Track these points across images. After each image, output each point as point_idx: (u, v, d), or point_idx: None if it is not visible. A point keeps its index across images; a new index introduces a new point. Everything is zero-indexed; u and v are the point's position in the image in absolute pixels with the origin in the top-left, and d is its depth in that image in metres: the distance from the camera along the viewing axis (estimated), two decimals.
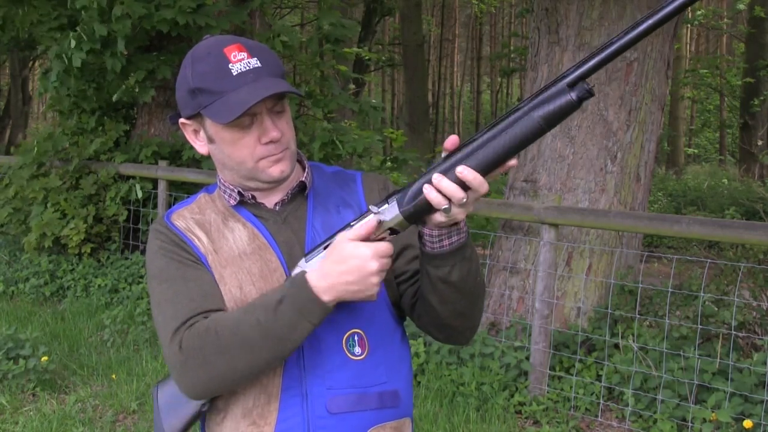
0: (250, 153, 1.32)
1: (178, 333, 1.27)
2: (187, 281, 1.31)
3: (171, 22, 5.80)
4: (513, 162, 1.16)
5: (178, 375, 1.28)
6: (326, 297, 1.23)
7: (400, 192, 1.22)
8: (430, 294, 1.31)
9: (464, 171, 1.15)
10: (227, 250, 1.36)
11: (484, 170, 1.15)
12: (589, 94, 1.10)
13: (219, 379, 1.26)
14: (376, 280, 1.22)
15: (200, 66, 1.30)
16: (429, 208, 1.18)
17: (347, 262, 1.21)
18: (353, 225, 1.24)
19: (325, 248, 1.27)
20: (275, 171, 1.34)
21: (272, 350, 1.24)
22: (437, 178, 1.16)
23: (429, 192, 1.17)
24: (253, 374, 1.27)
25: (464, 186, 1.15)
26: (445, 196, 1.16)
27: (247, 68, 1.28)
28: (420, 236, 1.27)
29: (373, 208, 1.23)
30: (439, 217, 1.19)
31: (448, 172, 1.16)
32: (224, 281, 1.33)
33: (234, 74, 1.27)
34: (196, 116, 1.34)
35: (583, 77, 1.11)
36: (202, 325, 1.27)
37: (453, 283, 1.28)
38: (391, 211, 1.22)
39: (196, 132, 1.38)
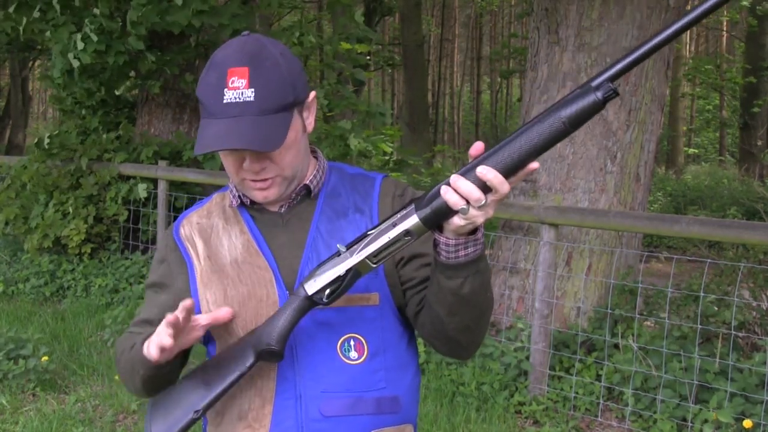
0: (235, 171, 1.35)
1: (119, 338, 1.50)
2: (142, 310, 1.48)
3: (181, 25, 5.83)
4: (535, 164, 1.13)
5: None
6: (147, 354, 1.31)
7: (419, 198, 1.20)
8: (438, 305, 1.28)
9: (484, 170, 1.12)
10: (221, 256, 1.40)
11: (505, 170, 1.12)
12: (615, 93, 1.09)
13: (127, 384, 1.44)
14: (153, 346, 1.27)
15: (208, 76, 1.31)
16: (447, 211, 1.15)
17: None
18: (370, 234, 1.23)
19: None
20: (259, 196, 1.37)
21: (131, 379, 1.39)
22: (454, 178, 1.14)
23: (446, 192, 1.14)
24: (142, 390, 1.39)
25: (485, 188, 1.13)
26: (462, 197, 1.14)
27: (237, 100, 1.27)
28: (435, 245, 1.23)
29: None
30: (457, 221, 1.16)
31: (467, 173, 1.14)
32: (211, 284, 1.38)
33: (223, 102, 1.28)
34: None
35: (611, 79, 1.10)
36: (121, 341, 1.46)
37: (463, 295, 1.24)
38: (408, 215, 1.19)
39: None
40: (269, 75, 1.29)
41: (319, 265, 1.27)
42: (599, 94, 1.10)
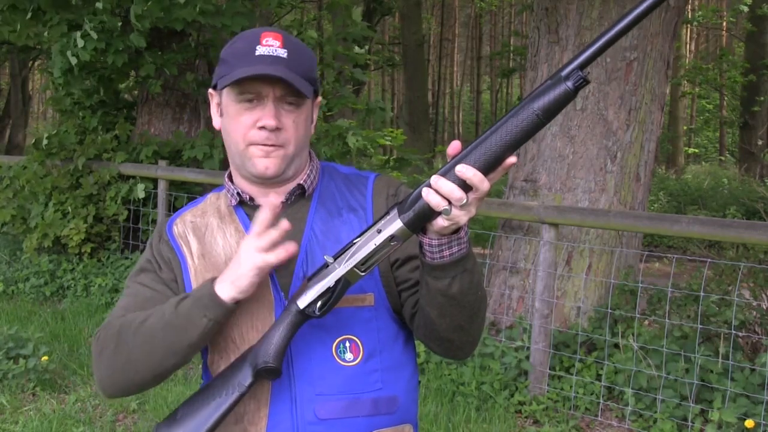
0: (243, 133, 1.32)
1: (101, 329, 1.37)
2: (137, 293, 1.39)
3: (185, 21, 5.84)
4: (513, 159, 1.12)
5: (93, 367, 1.36)
6: (222, 293, 1.25)
7: (401, 201, 1.19)
8: (429, 306, 1.27)
9: (463, 169, 1.11)
10: (215, 255, 1.39)
11: (484, 167, 1.11)
12: (585, 81, 1.08)
13: (121, 371, 1.31)
14: (250, 265, 1.22)
15: (236, 43, 1.34)
16: (429, 213, 1.15)
17: (237, 257, 1.25)
18: (356, 242, 1.22)
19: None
20: (260, 165, 1.33)
21: (168, 342, 1.27)
22: (435, 179, 1.13)
23: (427, 194, 1.13)
24: (150, 370, 1.29)
25: (465, 186, 1.12)
26: (444, 197, 1.12)
27: (271, 54, 1.29)
28: (420, 246, 1.21)
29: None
30: (441, 222, 1.15)
31: (447, 173, 1.13)
32: None
33: (255, 54, 1.29)
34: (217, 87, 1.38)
35: (580, 67, 1.09)
36: (117, 321, 1.34)
37: (452, 295, 1.23)
38: (392, 221, 1.19)
39: (218, 105, 1.40)
40: (301, 48, 1.33)
41: (310, 278, 1.27)
42: (570, 84, 1.08)
